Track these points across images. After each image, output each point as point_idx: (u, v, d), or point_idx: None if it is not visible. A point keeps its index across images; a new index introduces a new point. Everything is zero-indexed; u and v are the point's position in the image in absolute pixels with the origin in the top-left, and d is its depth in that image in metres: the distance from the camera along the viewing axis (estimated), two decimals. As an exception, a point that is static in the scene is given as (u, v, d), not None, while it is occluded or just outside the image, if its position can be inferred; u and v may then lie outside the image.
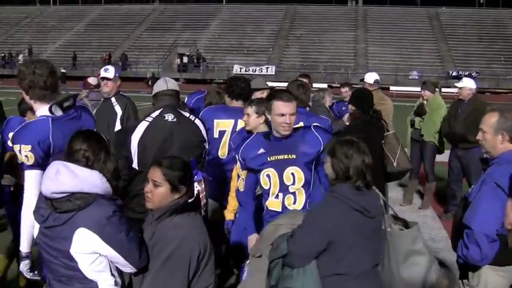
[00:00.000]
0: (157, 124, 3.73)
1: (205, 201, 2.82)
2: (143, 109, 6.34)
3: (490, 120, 2.99)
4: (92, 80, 6.36)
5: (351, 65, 42.04)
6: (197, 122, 3.91)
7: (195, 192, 2.70)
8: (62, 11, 55.03)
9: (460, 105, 6.95)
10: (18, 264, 3.11)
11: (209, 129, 4.19)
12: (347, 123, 5.78)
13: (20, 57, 42.41)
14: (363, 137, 3.88)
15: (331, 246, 2.67)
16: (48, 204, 2.43)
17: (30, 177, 2.97)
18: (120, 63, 42.28)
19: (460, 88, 6.96)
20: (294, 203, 3.36)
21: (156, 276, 2.51)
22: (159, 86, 3.91)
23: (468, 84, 6.94)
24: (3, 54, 44.83)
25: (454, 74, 37.69)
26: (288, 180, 3.36)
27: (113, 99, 5.38)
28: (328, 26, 47.24)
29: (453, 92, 6.55)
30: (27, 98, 3.12)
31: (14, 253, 4.43)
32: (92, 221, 2.39)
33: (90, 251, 2.41)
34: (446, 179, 7.44)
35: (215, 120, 4.46)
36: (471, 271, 3.04)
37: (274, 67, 41.44)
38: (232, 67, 41.36)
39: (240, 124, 4.34)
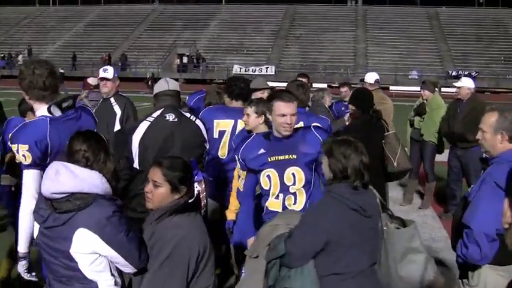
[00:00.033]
0: (158, 124, 3.75)
1: (205, 201, 2.82)
2: (143, 109, 6.34)
3: (490, 119, 2.99)
4: (92, 81, 6.36)
5: (351, 65, 42.05)
6: (198, 122, 3.93)
7: (195, 192, 2.70)
8: (62, 11, 55.02)
9: (459, 105, 6.96)
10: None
11: (209, 130, 4.20)
12: (347, 123, 5.78)
13: (20, 57, 42.40)
14: (363, 136, 3.88)
15: (328, 246, 2.67)
16: (48, 205, 2.43)
17: (28, 177, 2.98)
18: (120, 64, 42.30)
19: (459, 88, 6.97)
20: (295, 203, 3.36)
21: (155, 275, 2.51)
22: (160, 86, 3.92)
23: (467, 83, 6.95)
24: (2, 55, 44.82)
25: (454, 73, 37.68)
26: (288, 181, 3.36)
27: (112, 100, 5.39)
28: (327, 26, 47.24)
29: (453, 92, 6.53)
30: (27, 98, 3.13)
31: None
32: (92, 221, 2.39)
33: (90, 251, 2.41)
34: (446, 178, 7.45)
35: (215, 121, 4.46)
36: (471, 271, 3.04)
37: (273, 67, 41.44)
38: (232, 67, 41.37)
39: (240, 124, 4.34)
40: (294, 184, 3.36)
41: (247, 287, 2.91)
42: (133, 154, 3.72)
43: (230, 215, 4.19)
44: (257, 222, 3.49)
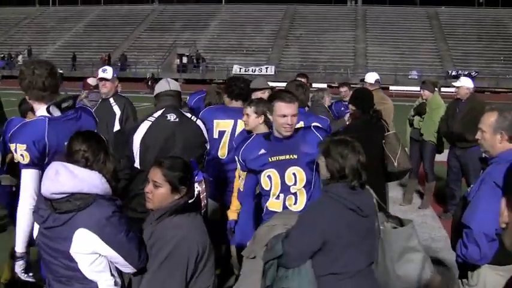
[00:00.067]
0: (159, 124, 3.76)
1: (205, 201, 2.83)
2: (142, 110, 6.34)
3: (489, 119, 2.99)
4: (92, 81, 6.37)
5: (351, 65, 42.04)
6: (199, 122, 3.94)
7: (196, 192, 2.70)
8: (61, 11, 55.01)
9: (458, 105, 6.96)
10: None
11: (209, 130, 4.20)
12: (348, 123, 5.78)
13: (20, 58, 42.39)
14: (363, 136, 3.88)
15: (326, 246, 2.67)
16: (47, 205, 2.43)
17: (26, 176, 2.99)
18: (120, 64, 42.30)
19: (458, 87, 6.97)
20: (295, 203, 3.36)
21: (155, 275, 2.51)
22: (162, 86, 3.94)
23: (465, 83, 6.95)
24: (2, 55, 44.81)
25: (454, 73, 37.66)
26: (289, 181, 3.36)
27: (112, 100, 5.40)
28: (327, 26, 47.24)
29: (453, 92, 6.52)
30: (27, 98, 3.15)
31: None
32: (92, 221, 2.39)
33: (90, 251, 2.42)
34: (445, 178, 7.45)
35: (215, 121, 4.46)
36: (470, 270, 3.04)
37: (273, 67, 41.42)
38: (232, 67, 41.35)
39: (240, 124, 4.34)
40: (294, 184, 3.36)
41: (245, 287, 2.91)
42: (135, 154, 3.74)
43: (232, 215, 4.19)
44: (258, 223, 3.49)
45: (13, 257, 4.59)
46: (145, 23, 51.03)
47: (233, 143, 4.29)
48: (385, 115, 5.43)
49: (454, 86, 7.25)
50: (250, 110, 3.93)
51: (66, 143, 2.76)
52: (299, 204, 3.35)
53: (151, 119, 3.80)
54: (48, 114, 3.07)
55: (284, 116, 3.30)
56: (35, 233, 2.70)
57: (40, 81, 3.03)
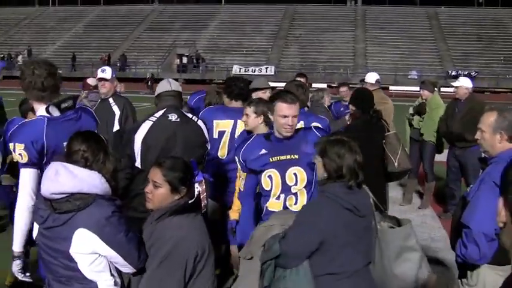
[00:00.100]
0: (161, 124, 3.78)
1: (206, 202, 2.83)
2: (142, 110, 6.35)
3: (489, 119, 2.99)
4: (91, 81, 6.37)
5: (350, 65, 42.05)
6: (200, 122, 3.96)
7: (196, 193, 2.70)
8: (61, 11, 55.01)
9: (457, 105, 6.96)
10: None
11: (209, 130, 4.21)
12: (348, 123, 5.79)
13: (20, 58, 42.37)
14: (363, 136, 3.89)
15: (323, 246, 2.67)
16: (47, 205, 2.43)
17: (25, 176, 3.00)
18: (120, 64, 42.31)
19: (457, 87, 6.98)
20: (296, 203, 3.35)
21: (153, 274, 2.51)
22: (163, 86, 3.97)
23: (464, 83, 6.95)
24: (2, 55, 44.81)
25: (454, 73, 37.66)
26: (290, 181, 3.35)
27: (111, 100, 5.41)
28: (327, 26, 47.24)
29: (452, 92, 6.52)
30: (28, 97, 3.16)
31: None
32: (92, 221, 2.39)
33: (90, 251, 2.42)
34: (445, 178, 7.45)
35: (214, 121, 4.47)
36: (470, 270, 3.05)
37: (273, 67, 41.42)
38: (232, 67, 41.36)
39: (240, 124, 4.35)
40: (295, 184, 3.35)
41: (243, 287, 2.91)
42: (136, 153, 3.75)
43: (233, 214, 4.19)
44: (258, 223, 3.49)
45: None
46: (145, 23, 51.03)
47: (235, 143, 4.29)
48: (386, 115, 5.43)
49: (452, 86, 7.25)
50: (249, 110, 3.94)
51: (65, 143, 2.77)
52: (299, 204, 3.35)
53: (153, 118, 3.82)
54: (47, 114, 3.07)
55: (285, 116, 3.31)
56: (35, 233, 2.70)
57: (39, 82, 3.04)
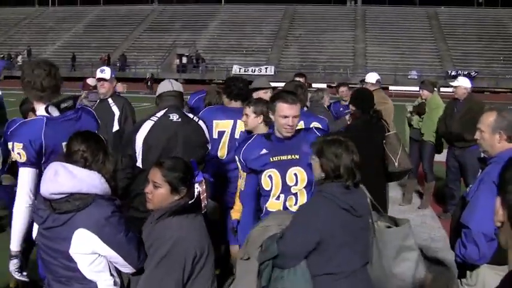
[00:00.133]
0: (162, 124, 3.79)
1: (206, 202, 2.83)
2: (142, 110, 6.35)
3: (488, 119, 3.00)
4: (91, 81, 6.37)
5: (350, 65, 42.05)
6: (200, 123, 3.97)
7: (196, 193, 2.70)
8: (61, 12, 55.00)
9: (456, 105, 6.97)
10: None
11: (208, 130, 4.21)
12: (349, 123, 5.79)
13: (19, 58, 42.39)
14: (364, 136, 3.90)
15: (320, 246, 2.67)
16: (47, 205, 2.43)
17: (23, 175, 3.00)
18: (119, 64, 42.30)
19: (455, 87, 6.98)
20: (296, 204, 3.34)
21: (152, 274, 2.51)
22: (164, 86, 3.99)
23: (463, 83, 6.96)
24: (2, 56, 44.80)
25: (453, 73, 37.64)
26: (290, 181, 3.35)
27: (110, 100, 5.41)
28: (327, 26, 47.24)
29: (452, 92, 6.52)
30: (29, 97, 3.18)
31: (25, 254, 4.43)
32: (91, 221, 2.39)
33: (90, 251, 2.42)
34: (444, 178, 7.46)
35: (214, 121, 4.47)
36: (469, 270, 3.05)
37: (273, 67, 41.42)
38: (232, 67, 41.35)
39: (239, 124, 4.35)
40: (296, 184, 3.35)
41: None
42: (137, 153, 3.76)
43: (235, 214, 4.20)
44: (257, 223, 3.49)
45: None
46: (144, 23, 51.03)
47: (236, 143, 4.29)
48: (386, 115, 5.44)
49: (451, 86, 7.26)
50: (249, 110, 3.94)
51: (64, 143, 2.77)
52: (299, 204, 3.35)
53: (154, 118, 3.83)
54: (47, 114, 3.08)
55: (286, 117, 3.31)
56: (35, 233, 2.70)
57: (38, 82, 3.04)
